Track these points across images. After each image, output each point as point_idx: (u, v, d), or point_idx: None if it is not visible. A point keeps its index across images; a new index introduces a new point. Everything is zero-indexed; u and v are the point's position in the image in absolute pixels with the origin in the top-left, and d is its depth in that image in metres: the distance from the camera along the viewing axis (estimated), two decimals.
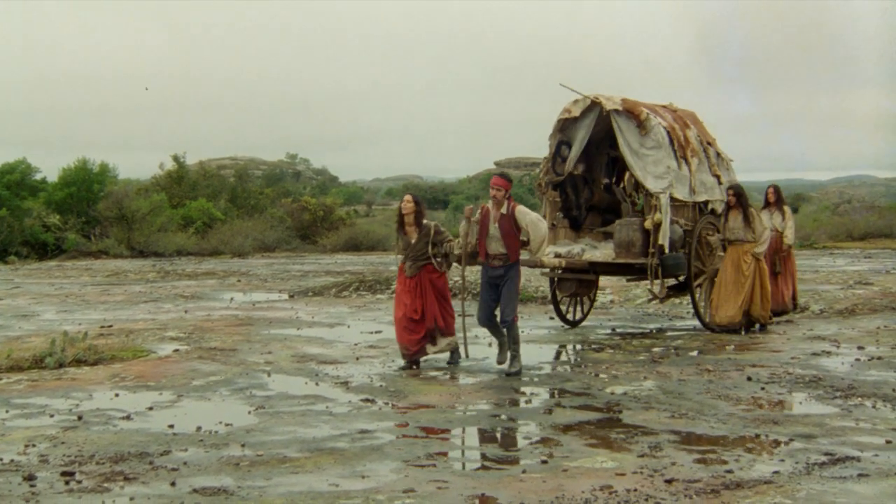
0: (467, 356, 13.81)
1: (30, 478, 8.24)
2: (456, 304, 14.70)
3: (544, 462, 8.85)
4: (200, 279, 30.78)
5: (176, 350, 15.12)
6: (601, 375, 13.11)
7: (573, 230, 17.70)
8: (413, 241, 13.40)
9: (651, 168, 15.99)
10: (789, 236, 18.79)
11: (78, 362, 13.72)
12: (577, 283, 17.16)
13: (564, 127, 16.88)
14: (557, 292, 17.70)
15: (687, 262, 16.42)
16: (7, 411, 10.88)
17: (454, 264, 13.82)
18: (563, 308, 18.12)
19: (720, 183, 17.51)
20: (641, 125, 16.07)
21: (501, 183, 13.09)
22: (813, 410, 11.01)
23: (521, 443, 9.69)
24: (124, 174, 56.75)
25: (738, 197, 16.77)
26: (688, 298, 18.56)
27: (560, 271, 16.89)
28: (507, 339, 13.20)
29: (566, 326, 17.95)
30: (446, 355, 13.94)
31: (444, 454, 9.17)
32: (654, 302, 18.47)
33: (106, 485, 8.11)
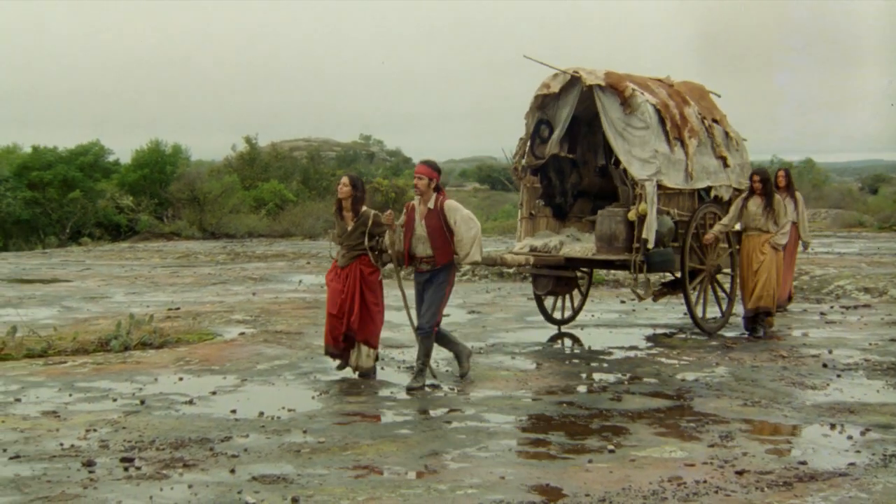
0: (434, 375, 11.72)
1: (89, 463, 8.16)
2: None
3: (611, 451, 8.67)
4: (270, 261, 30.79)
5: (242, 333, 15.07)
6: (672, 361, 12.89)
7: (557, 219, 15.53)
8: (349, 228, 11.78)
9: (637, 151, 13.88)
10: (806, 232, 17.46)
11: (143, 345, 13.70)
12: (553, 280, 14.75)
13: (544, 104, 14.70)
14: (533, 290, 15.47)
15: (681, 258, 14.52)
16: (70, 395, 10.84)
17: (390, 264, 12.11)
18: (557, 309, 15.94)
19: (726, 166, 15.45)
20: (626, 102, 13.96)
21: (424, 171, 11.35)
22: (891, 399, 10.73)
23: (588, 431, 9.48)
24: (196, 156, 57.11)
25: (765, 183, 14.85)
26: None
27: (538, 266, 14.49)
28: (420, 346, 11.44)
29: (555, 326, 15.79)
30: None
31: (510, 442, 8.99)
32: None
33: (165, 471, 8.02)
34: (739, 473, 7.96)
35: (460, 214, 11.22)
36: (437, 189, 11.37)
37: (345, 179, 11.84)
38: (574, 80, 14.28)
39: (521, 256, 14.07)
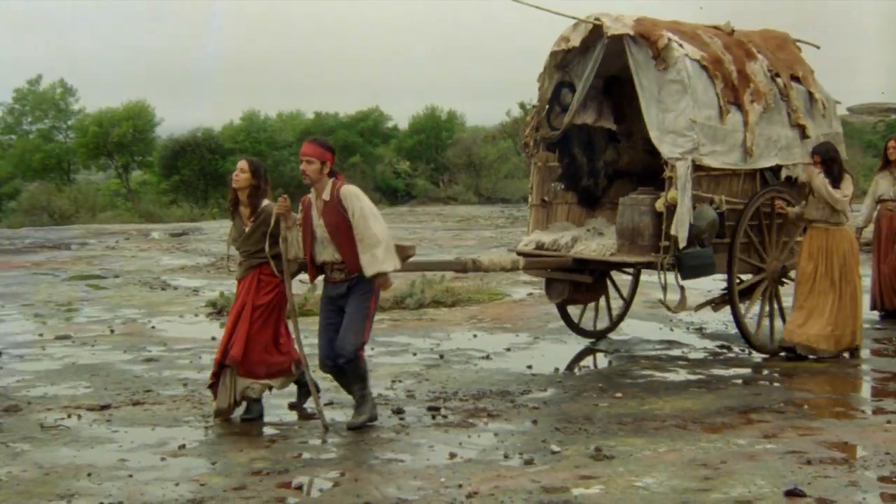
0: (326, 428, 8.29)
1: (398, 411, 8.63)
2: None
3: None
4: None
5: (530, 294, 15.38)
6: None
7: (584, 207, 12.14)
8: (247, 229, 8.82)
9: (670, 121, 10.39)
10: None
11: (436, 304, 14.18)
12: (570, 286, 11.21)
13: (565, 62, 11.32)
14: (547, 298, 11.76)
15: (728, 259, 11.01)
16: (373, 349, 11.36)
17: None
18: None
19: (805, 137, 11.52)
20: (660, 57, 10.49)
21: (314, 152, 8.38)
22: None
23: (886, 392, 9.45)
24: (472, 121, 57.91)
25: (828, 164, 10.78)
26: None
27: (548, 270, 11.30)
28: (349, 377, 8.43)
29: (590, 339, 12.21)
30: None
31: (801, 403, 8.99)
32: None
33: (470, 420, 8.39)
34: None
35: (359, 206, 8.29)
36: (333, 174, 8.49)
37: (242, 164, 8.90)
38: (598, 31, 10.82)
39: (507, 259, 11.10)
